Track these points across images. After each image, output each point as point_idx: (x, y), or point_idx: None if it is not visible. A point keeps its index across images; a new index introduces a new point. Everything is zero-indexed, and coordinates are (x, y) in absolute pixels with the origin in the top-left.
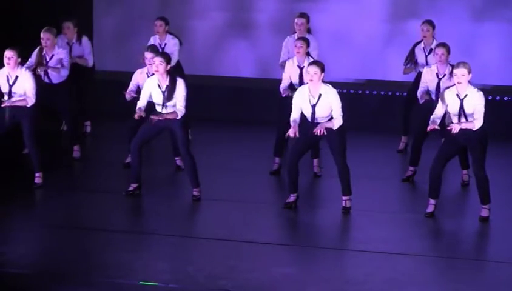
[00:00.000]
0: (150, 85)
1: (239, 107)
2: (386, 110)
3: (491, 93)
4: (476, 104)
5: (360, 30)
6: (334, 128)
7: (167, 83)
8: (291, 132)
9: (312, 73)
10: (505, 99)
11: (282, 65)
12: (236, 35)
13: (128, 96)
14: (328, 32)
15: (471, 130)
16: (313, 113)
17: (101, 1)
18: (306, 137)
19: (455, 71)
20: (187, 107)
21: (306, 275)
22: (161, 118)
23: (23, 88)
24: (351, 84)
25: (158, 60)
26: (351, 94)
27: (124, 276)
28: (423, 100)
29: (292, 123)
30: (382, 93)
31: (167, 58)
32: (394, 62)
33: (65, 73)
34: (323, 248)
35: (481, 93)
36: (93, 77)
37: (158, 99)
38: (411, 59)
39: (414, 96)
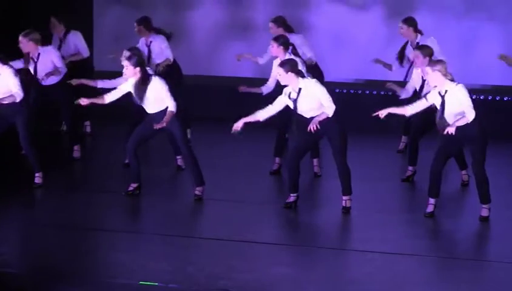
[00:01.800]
0: (130, 84)
1: (239, 107)
2: None
3: (491, 93)
4: (459, 97)
5: (359, 30)
6: (330, 115)
7: (137, 82)
8: (236, 125)
9: (277, 74)
10: (505, 99)
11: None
12: (236, 35)
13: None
14: (328, 32)
15: (468, 126)
16: (295, 107)
17: (101, 1)
18: (306, 137)
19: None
20: (187, 106)
21: (306, 275)
22: (165, 125)
23: (7, 85)
24: (351, 84)
25: (125, 64)
26: (351, 94)
27: (124, 276)
28: (403, 96)
29: (250, 116)
30: (382, 93)
31: (133, 60)
32: (394, 62)
33: (63, 70)
34: (323, 248)
35: (460, 85)
36: (93, 76)
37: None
38: (399, 57)
39: (415, 96)
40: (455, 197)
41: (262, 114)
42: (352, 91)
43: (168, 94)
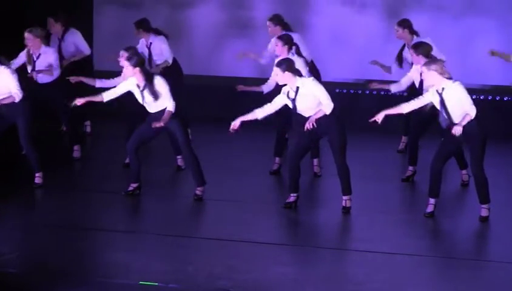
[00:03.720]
0: (129, 83)
1: (239, 107)
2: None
3: (491, 93)
4: (457, 95)
5: (359, 30)
6: (327, 113)
7: (144, 82)
8: (233, 125)
9: (274, 75)
10: (505, 99)
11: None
12: (235, 35)
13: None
14: (327, 32)
15: (468, 126)
16: (294, 106)
17: (101, 1)
18: (306, 137)
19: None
20: (185, 106)
21: (306, 275)
22: (162, 124)
23: (6, 86)
24: (351, 84)
25: (124, 64)
26: (351, 94)
27: (124, 276)
28: (394, 90)
29: (248, 114)
30: (382, 93)
31: (133, 61)
32: (393, 64)
33: (56, 73)
34: (323, 248)
35: (457, 82)
36: (92, 75)
37: (139, 98)
38: (398, 59)
39: (414, 95)
40: (455, 197)
41: (260, 113)
42: (352, 91)
43: (169, 93)
